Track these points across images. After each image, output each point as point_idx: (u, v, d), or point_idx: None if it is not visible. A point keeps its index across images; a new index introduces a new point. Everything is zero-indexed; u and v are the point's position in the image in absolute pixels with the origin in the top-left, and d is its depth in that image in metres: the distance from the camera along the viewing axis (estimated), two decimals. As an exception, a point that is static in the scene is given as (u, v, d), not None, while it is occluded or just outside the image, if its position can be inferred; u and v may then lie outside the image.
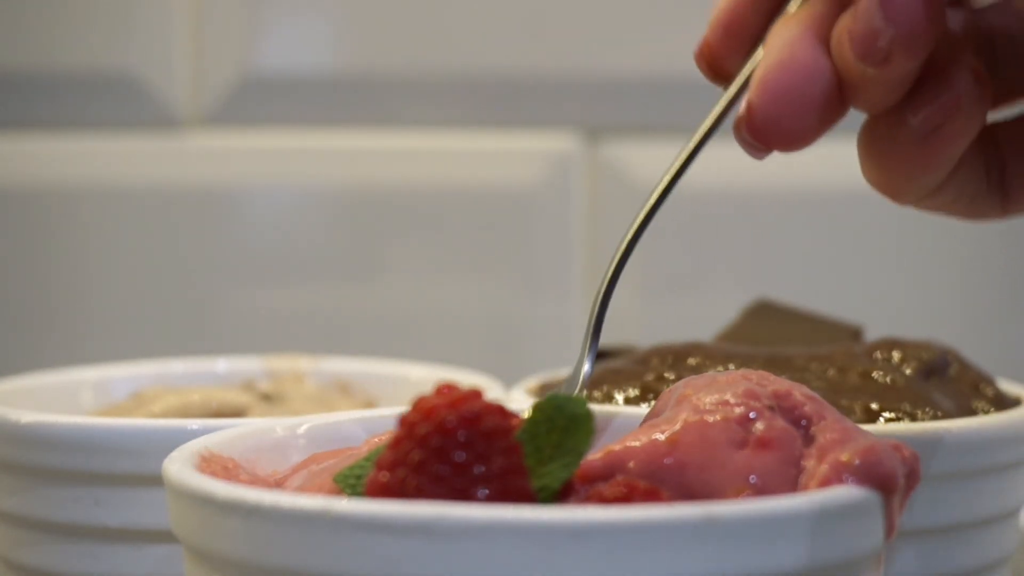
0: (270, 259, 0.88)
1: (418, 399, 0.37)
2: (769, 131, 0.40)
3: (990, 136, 0.43)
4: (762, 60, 0.41)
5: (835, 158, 0.86)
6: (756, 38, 0.43)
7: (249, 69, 0.87)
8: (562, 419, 0.38)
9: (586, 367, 0.45)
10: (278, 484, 0.42)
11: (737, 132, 0.42)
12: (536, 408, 0.39)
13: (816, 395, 0.41)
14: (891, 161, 0.41)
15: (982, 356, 0.60)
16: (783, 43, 0.40)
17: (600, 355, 0.60)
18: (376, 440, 0.43)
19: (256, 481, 0.42)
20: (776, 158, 0.96)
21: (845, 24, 0.39)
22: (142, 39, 0.87)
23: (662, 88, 0.87)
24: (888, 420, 0.50)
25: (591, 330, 0.45)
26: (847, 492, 0.37)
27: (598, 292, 0.46)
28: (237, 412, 0.58)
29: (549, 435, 0.38)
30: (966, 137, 0.40)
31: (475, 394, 0.37)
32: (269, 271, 0.88)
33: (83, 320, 0.88)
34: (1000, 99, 0.43)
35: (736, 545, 0.34)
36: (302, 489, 0.41)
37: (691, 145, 0.44)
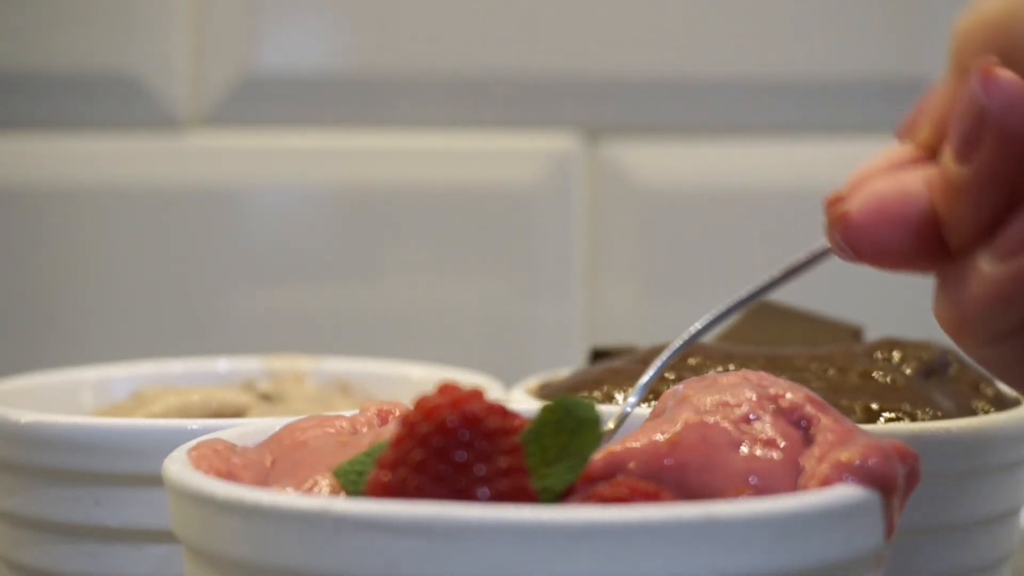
0: (270, 259, 0.88)
1: (420, 399, 0.37)
2: (861, 237, 0.42)
3: None
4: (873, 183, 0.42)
5: (836, 158, 0.86)
6: None
7: (249, 69, 0.87)
8: (570, 422, 0.38)
9: (631, 403, 0.46)
10: (272, 464, 0.42)
11: (831, 233, 0.43)
12: (545, 409, 0.39)
13: (816, 396, 0.41)
14: (962, 295, 0.41)
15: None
16: (896, 176, 0.42)
17: (600, 355, 0.61)
18: (371, 415, 0.44)
19: (249, 463, 0.42)
20: (774, 157, 0.96)
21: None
22: (142, 39, 0.87)
23: (662, 88, 0.87)
24: (888, 420, 0.50)
25: (645, 384, 0.46)
26: (847, 492, 0.37)
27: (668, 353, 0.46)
28: (237, 412, 0.58)
29: (556, 436, 0.38)
30: None
31: (477, 394, 0.37)
32: (269, 271, 0.88)
33: (83, 320, 0.88)
34: None
35: (736, 545, 0.34)
36: (297, 470, 0.41)
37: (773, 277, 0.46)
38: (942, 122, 0.42)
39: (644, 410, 0.46)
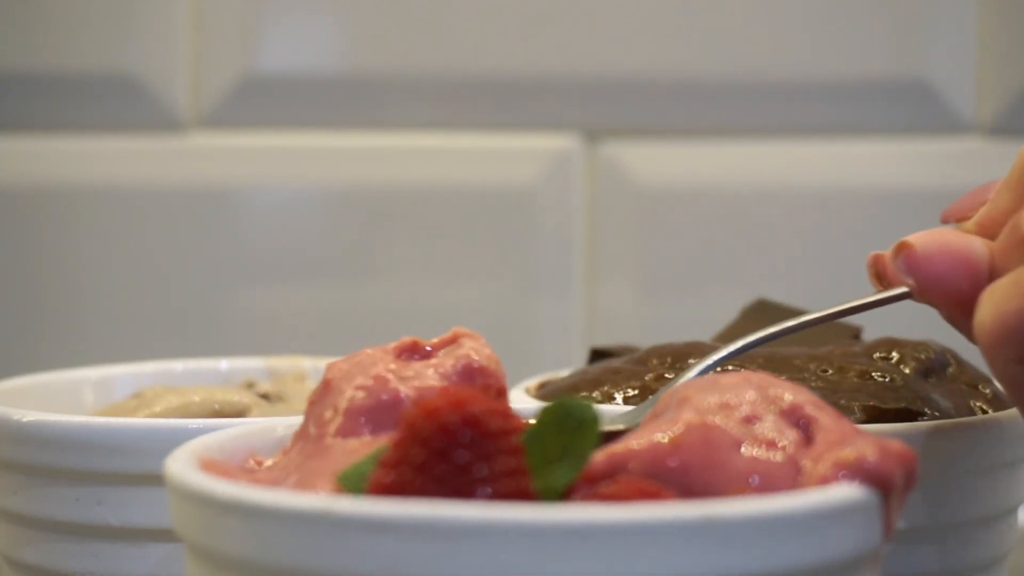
0: (270, 259, 0.88)
1: (422, 399, 0.37)
2: (922, 265, 0.44)
3: None
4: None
5: (835, 158, 0.87)
6: None
7: (249, 69, 0.87)
8: (570, 422, 0.39)
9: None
10: (276, 481, 0.42)
11: (894, 260, 0.45)
12: (545, 410, 0.39)
13: (816, 396, 0.41)
14: (1006, 307, 0.42)
15: (980, 356, 0.60)
16: (957, 232, 0.45)
17: (600, 355, 0.61)
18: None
19: (257, 481, 0.42)
20: (773, 157, 0.96)
21: None
22: (143, 40, 0.87)
23: (662, 88, 0.87)
24: (887, 420, 0.50)
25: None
26: (846, 492, 0.37)
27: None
28: (238, 412, 0.58)
29: (556, 437, 0.38)
30: None
31: (478, 395, 0.37)
32: (269, 271, 0.88)
33: (84, 320, 0.88)
34: None
35: (736, 545, 0.34)
36: (306, 480, 0.41)
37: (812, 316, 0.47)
38: (995, 224, 0.45)
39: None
